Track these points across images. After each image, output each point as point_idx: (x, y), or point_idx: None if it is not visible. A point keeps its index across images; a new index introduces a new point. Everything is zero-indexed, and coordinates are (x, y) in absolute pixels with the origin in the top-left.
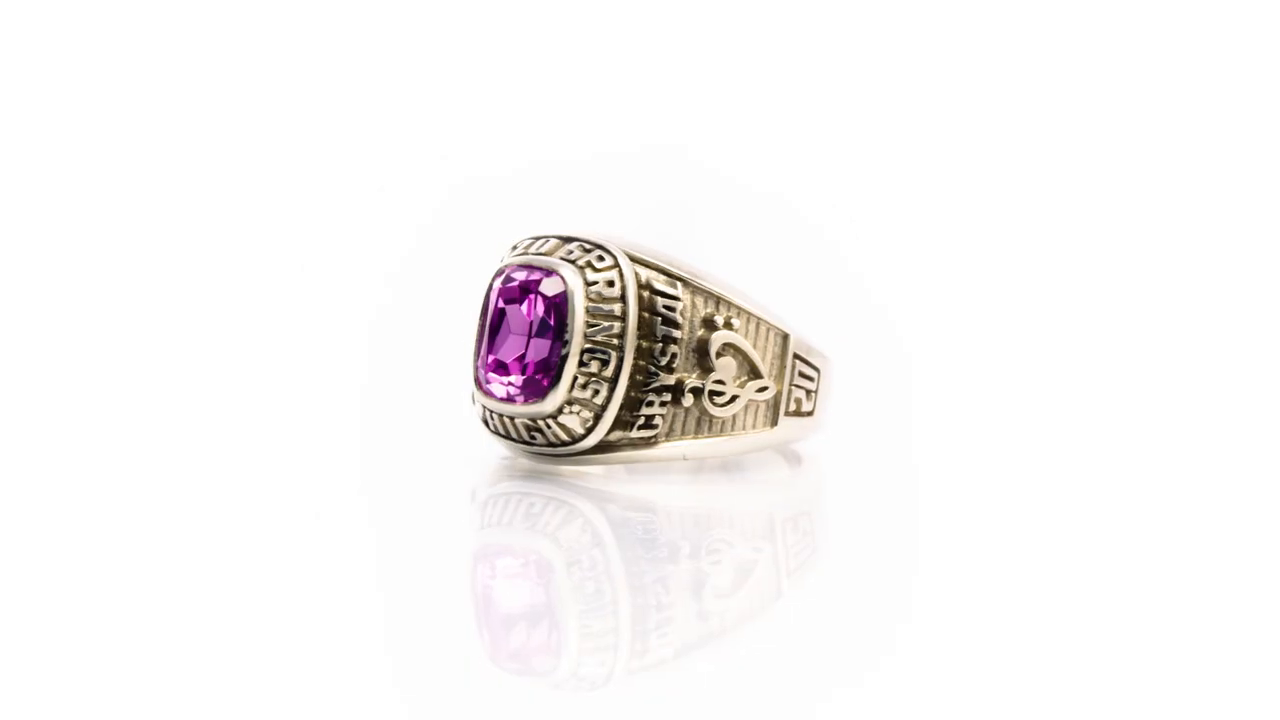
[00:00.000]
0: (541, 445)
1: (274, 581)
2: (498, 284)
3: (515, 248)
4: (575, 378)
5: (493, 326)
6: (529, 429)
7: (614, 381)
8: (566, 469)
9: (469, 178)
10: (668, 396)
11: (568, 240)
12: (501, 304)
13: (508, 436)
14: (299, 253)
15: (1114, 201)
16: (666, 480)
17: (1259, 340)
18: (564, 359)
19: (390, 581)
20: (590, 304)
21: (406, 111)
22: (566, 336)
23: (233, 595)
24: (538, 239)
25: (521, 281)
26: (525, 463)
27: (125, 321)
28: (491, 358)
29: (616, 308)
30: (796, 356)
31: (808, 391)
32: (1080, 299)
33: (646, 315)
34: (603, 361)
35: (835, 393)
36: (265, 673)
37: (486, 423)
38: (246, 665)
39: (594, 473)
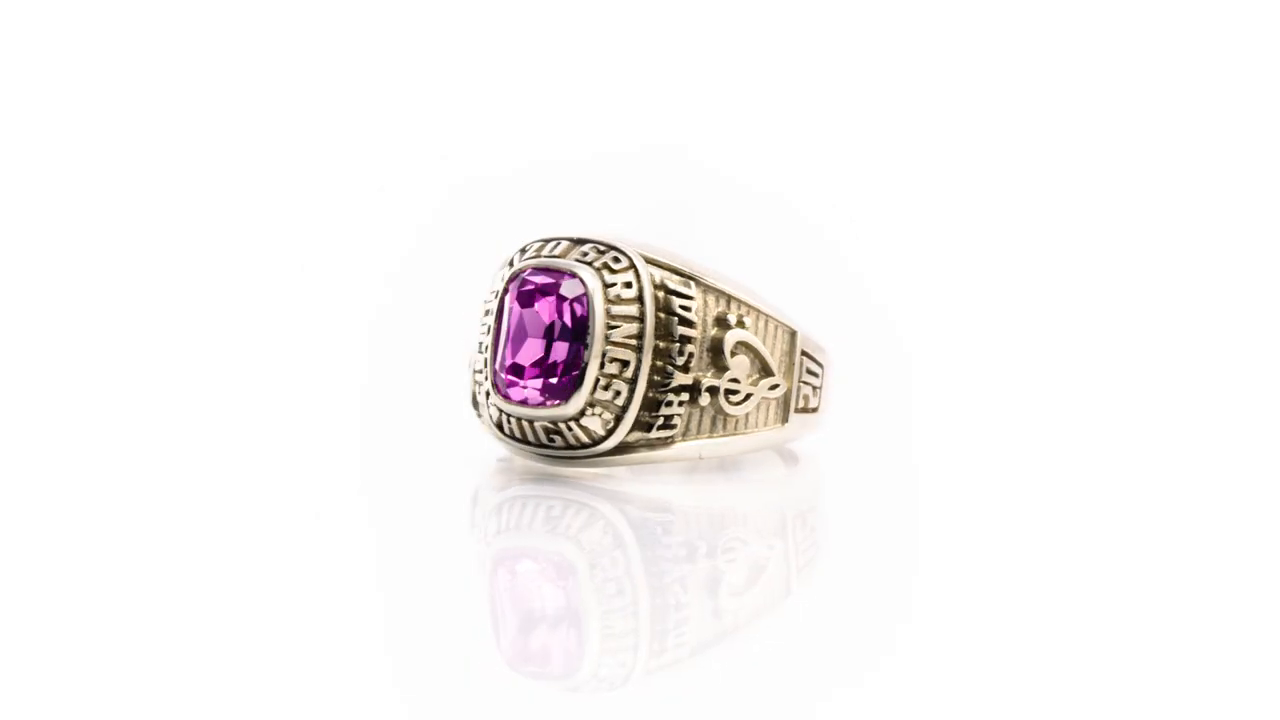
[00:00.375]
0: (560, 448)
1: (278, 583)
2: (513, 287)
3: (525, 250)
4: (597, 380)
5: (509, 330)
6: (548, 432)
7: (634, 382)
8: (568, 470)
9: (469, 178)
10: (685, 396)
11: (580, 242)
12: (518, 307)
13: (524, 440)
14: (299, 253)
15: (1114, 201)
16: (669, 480)
17: (1258, 339)
18: (586, 361)
19: (400, 583)
20: (609, 306)
21: (406, 112)
22: (588, 339)
23: (240, 594)
24: (548, 241)
25: (539, 284)
26: (525, 463)
27: (125, 321)
28: (509, 361)
29: (634, 309)
30: (804, 353)
31: (814, 388)
32: (1080, 298)
33: (663, 316)
34: (623, 363)
35: (835, 390)
36: (271, 677)
37: (501, 426)
38: (250, 668)
39: (594, 473)
